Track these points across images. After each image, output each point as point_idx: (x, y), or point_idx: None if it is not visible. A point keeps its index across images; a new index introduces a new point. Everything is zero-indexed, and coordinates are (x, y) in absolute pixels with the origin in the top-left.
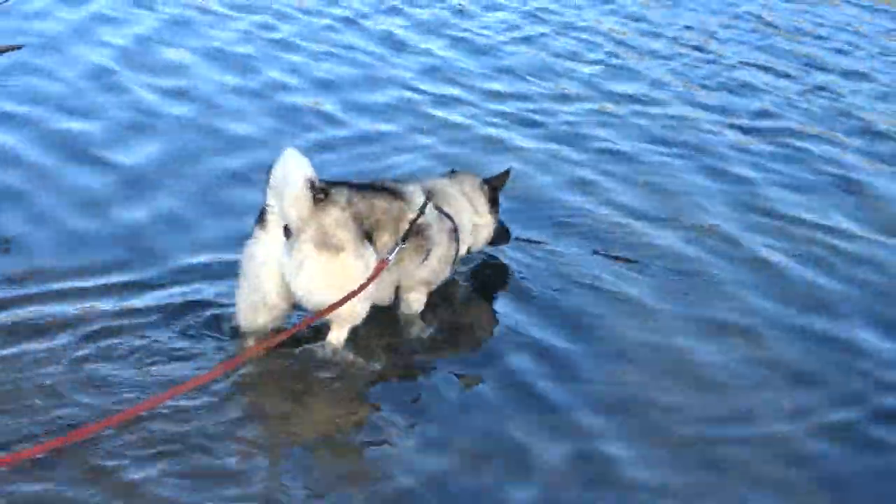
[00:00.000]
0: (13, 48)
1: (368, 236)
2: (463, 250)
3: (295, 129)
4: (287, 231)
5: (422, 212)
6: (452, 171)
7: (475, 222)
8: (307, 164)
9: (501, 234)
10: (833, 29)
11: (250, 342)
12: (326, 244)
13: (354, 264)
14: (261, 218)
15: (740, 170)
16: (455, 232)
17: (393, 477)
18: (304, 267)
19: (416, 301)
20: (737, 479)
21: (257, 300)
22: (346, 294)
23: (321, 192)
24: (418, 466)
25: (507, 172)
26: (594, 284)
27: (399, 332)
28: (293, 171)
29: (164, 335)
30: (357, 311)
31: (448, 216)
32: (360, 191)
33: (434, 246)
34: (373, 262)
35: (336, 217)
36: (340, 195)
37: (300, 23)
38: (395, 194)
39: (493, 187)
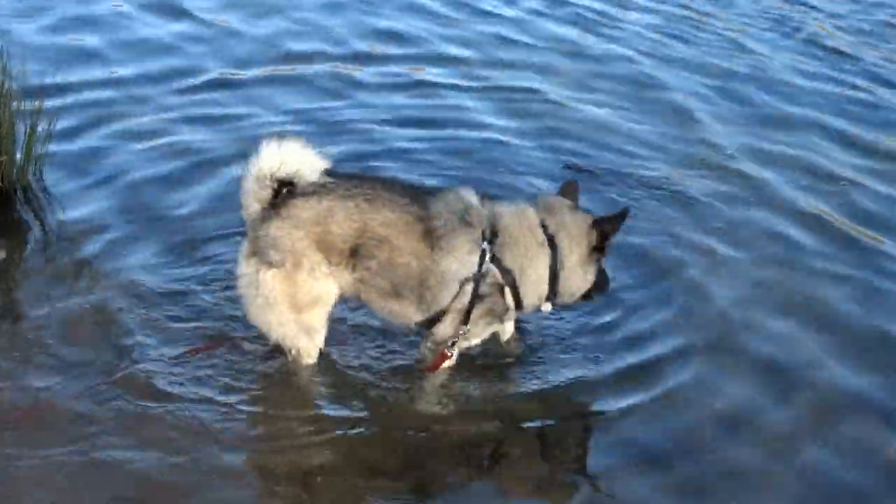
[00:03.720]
0: None
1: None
2: (528, 306)
3: None
4: None
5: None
6: (564, 193)
7: (561, 278)
8: (279, 161)
9: (599, 284)
10: None
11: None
12: (256, 255)
13: (275, 286)
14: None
15: None
16: (503, 290)
17: None
18: (237, 270)
19: (427, 352)
20: None
21: None
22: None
23: (277, 197)
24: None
25: (622, 214)
26: None
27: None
28: (260, 165)
29: None
30: (284, 335)
31: (507, 272)
32: (361, 209)
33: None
34: (313, 282)
35: (273, 234)
36: (297, 210)
37: None
38: (416, 221)
39: (604, 232)
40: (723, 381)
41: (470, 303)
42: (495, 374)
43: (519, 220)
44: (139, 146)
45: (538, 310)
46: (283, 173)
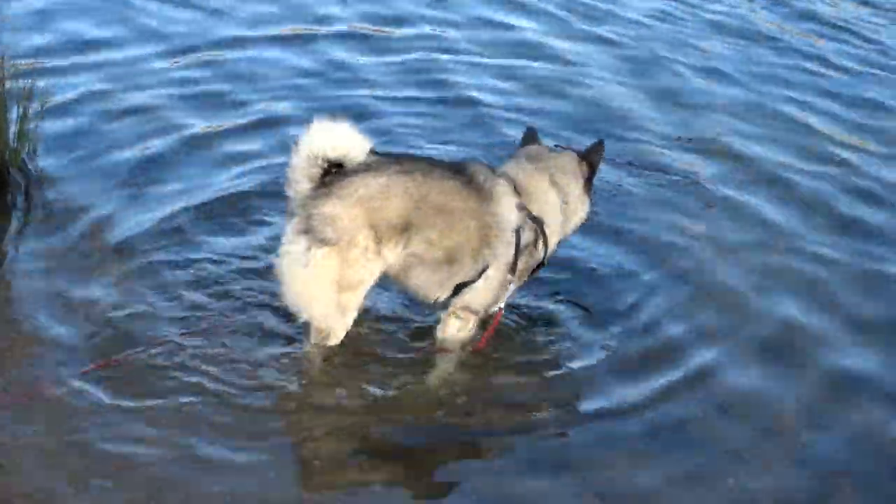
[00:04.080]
0: None
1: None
2: (545, 255)
3: None
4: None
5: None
6: (528, 139)
7: (567, 215)
8: (332, 138)
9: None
10: None
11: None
12: (307, 233)
13: (328, 265)
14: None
15: None
16: (537, 241)
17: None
18: (282, 251)
19: (454, 327)
20: None
21: None
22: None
23: (327, 175)
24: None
25: (601, 144)
26: None
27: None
28: (311, 145)
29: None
30: (324, 315)
31: (536, 220)
32: (409, 178)
33: (494, 260)
34: (367, 262)
35: (328, 211)
36: (351, 186)
37: None
38: (464, 187)
39: (591, 164)
40: (731, 365)
41: (514, 255)
42: (499, 365)
43: (524, 171)
44: (131, 125)
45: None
46: (334, 154)
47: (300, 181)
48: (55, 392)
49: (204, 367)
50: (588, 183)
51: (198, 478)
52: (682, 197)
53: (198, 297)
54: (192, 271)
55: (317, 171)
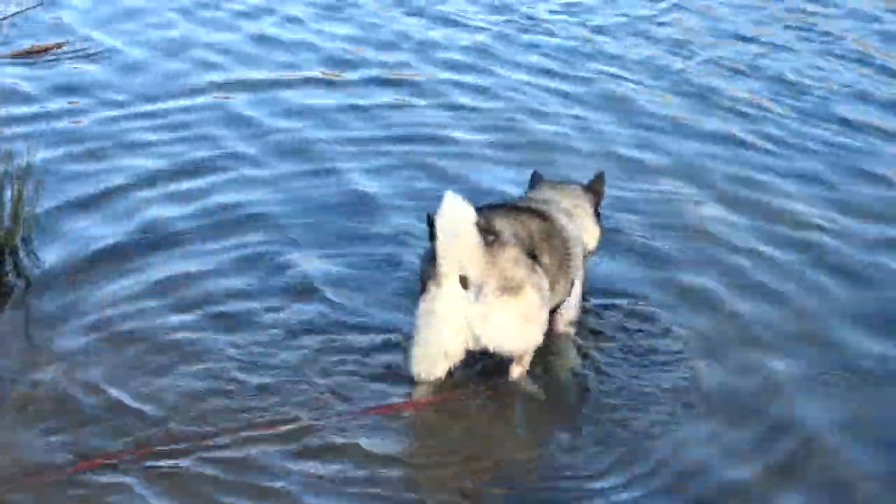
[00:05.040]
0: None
1: (533, 257)
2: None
3: None
4: (464, 281)
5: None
6: (537, 180)
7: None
8: (470, 208)
9: None
10: None
11: (423, 390)
12: (508, 288)
13: (535, 297)
14: (433, 273)
15: None
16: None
17: None
18: (493, 317)
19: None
20: None
21: (437, 354)
22: (531, 328)
23: (490, 234)
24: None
25: (601, 175)
26: None
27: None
28: (462, 223)
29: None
30: (537, 342)
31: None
32: (514, 218)
33: (578, 272)
34: (544, 283)
35: (511, 257)
36: (505, 230)
37: None
38: (540, 215)
39: (598, 193)
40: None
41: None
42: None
43: (554, 199)
44: (129, 203)
45: None
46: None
47: (469, 250)
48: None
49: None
50: (596, 211)
51: None
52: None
53: (211, 390)
54: (204, 366)
55: (477, 236)
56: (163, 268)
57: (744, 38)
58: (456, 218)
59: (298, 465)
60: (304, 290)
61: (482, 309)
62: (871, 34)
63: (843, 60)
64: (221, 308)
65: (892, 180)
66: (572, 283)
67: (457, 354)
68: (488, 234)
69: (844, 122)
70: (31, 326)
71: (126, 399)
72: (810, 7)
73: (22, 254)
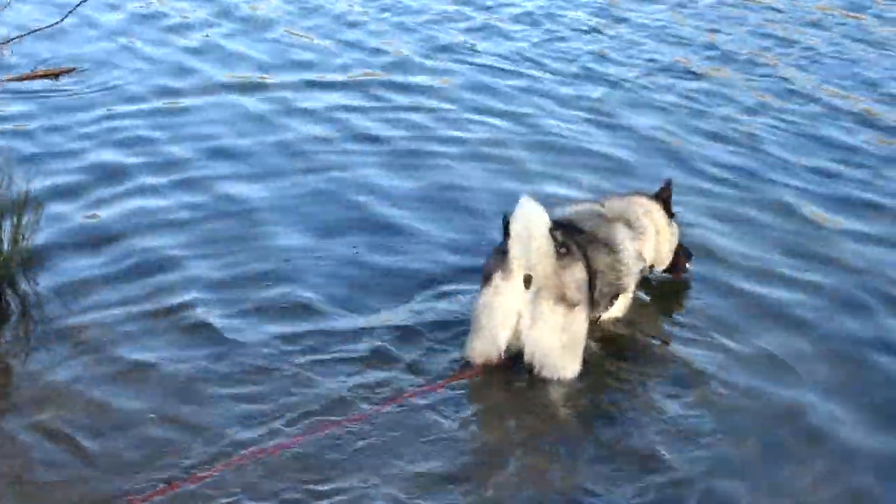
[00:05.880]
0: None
1: (591, 282)
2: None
3: None
4: (528, 281)
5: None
6: (605, 196)
7: (657, 246)
8: (545, 214)
9: (684, 256)
10: None
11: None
12: (563, 300)
13: (582, 319)
14: (501, 268)
15: None
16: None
17: None
18: (540, 322)
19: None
20: None
21: (492, 347)
22: (568, 340)
23: (563, 247)
24: None
25: (669, 183)
26: None
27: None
28: (537, 225)
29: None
30: (566, 353)
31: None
32: (587, 243)
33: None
34: (588, 312)
35: (577, 276)
36: (576, 250)
37: None
38: (610, 248)
39: (665, 200)
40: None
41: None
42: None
43: (624, 214)
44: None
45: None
46: (535, 231)
47: (540, 255)
48: None
49: None
50: (670, 216)
51: None
52: None
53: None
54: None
55: (550, 244)
56: (159, 293)
57: None
58: (531, 222)
59: None
60: (300, 306)
61: (536, 309)
62: None
63: None
64: (218, 332)
65: None
66: (616, 297)
67: (508, 348)
68: (561, 246)
69: None
70: (28, 352)
71: (132, 426)
72: None
73: (20, 280)
